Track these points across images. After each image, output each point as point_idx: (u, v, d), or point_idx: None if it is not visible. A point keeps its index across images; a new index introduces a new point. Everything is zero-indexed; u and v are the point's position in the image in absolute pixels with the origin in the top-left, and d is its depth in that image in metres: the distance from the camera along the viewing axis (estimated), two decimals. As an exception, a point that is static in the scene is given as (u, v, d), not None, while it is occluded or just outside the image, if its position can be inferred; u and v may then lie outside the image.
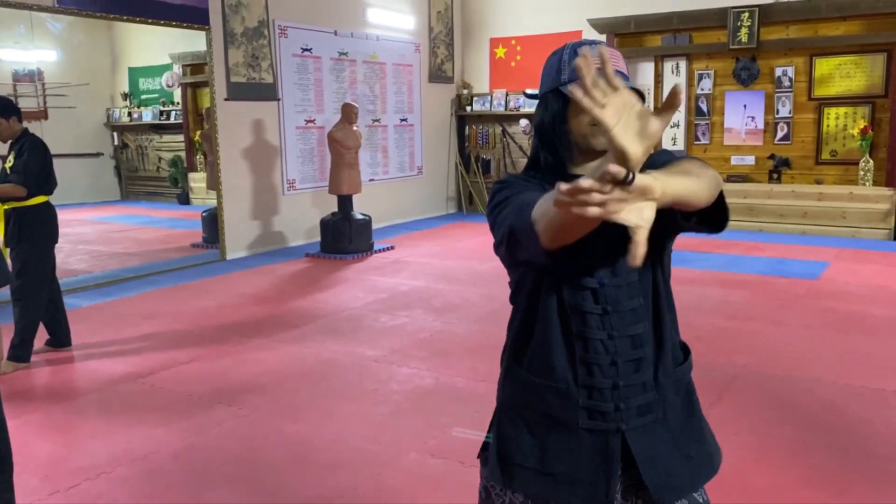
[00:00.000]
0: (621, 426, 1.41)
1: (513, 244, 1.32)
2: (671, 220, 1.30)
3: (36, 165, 4.36)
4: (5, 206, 4.40)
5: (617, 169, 0.92)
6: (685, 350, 1.55)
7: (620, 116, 0.99)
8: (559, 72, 1.42)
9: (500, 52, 10.79)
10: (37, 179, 4.38)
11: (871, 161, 8.39)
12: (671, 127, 9.62)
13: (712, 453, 1.52)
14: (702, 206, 1.21)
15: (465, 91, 11.03)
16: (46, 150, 4.48)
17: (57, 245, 4.62)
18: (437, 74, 10.72)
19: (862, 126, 8.35)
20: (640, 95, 1.33)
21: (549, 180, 1.41)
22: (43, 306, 4.52)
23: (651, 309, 1.44)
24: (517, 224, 1.27)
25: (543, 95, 1.47)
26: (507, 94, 10.66)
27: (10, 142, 4.46)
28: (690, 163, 1.27)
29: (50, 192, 4.52)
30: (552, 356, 1.43)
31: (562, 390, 1.43)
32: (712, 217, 1.34)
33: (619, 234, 1.05)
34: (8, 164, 4.37)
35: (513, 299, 1.54)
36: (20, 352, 4.43)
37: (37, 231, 4.43)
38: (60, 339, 4.74)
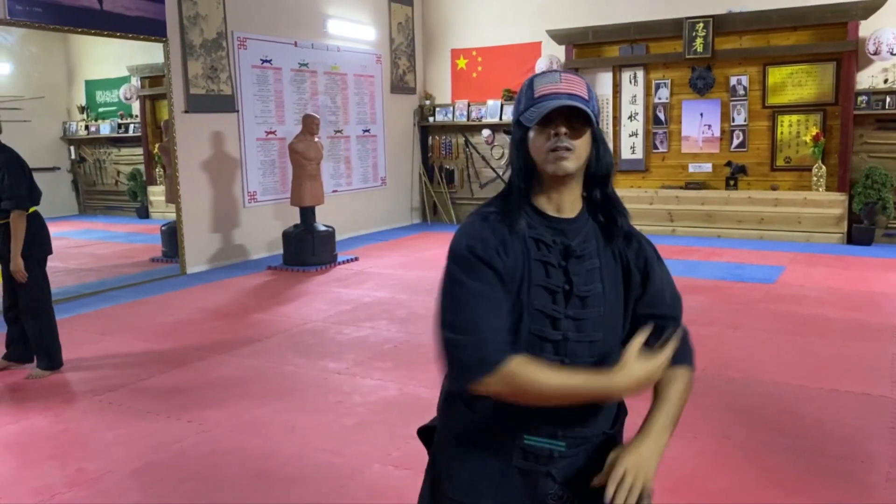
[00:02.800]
0: (552, 471, 1.44)
1: (444, 356, 1.37)
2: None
3: (22, 183, 4.34)
4: None
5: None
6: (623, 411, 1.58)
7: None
8: (519, 102, 1.43)
9: (462, 62, 10.86)
10: (25, 195, 4.36)
11: (824, 167, 8.60)
12: (630, 136, 9.77)
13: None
14: None
15: (428, 102, 11.07)
16: (24, 162, 4.44)
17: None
18: (399, 85, 10.74)
19: (814, 133, 8.56)
20: (595, 118, 1.38)
21: (513, 212, 1.40)
22: (52, 312, 4.60)
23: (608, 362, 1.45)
24: (461, 346, 1.33)
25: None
26: (468, 105, 10.72)
27: None
28: (676, 388, 1.49)
29: (37, 203, 4.49)
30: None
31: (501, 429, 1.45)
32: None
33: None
34: None
35: None
36: (49, 361, 4.54)
37: (29, 243, 4.39)
38: (21, 355, 4.67)
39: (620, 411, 1.55)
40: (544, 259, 1.39)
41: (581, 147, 1.37)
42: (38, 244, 4.51)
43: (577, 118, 1.35)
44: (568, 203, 1.42)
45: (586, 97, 1.37)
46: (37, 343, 4.55)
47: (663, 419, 1.43)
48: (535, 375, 1.30)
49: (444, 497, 1.49)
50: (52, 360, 4.56)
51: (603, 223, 1.45)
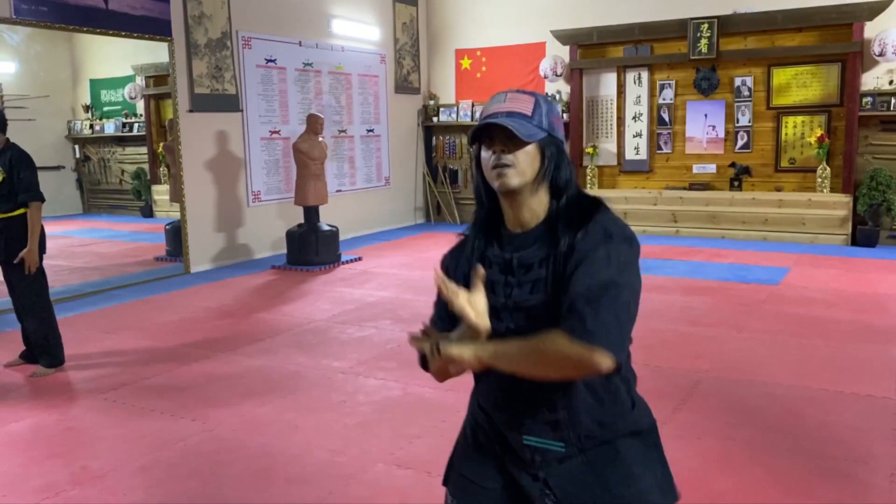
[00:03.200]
0: (539, 474, 1.47)
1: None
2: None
3: (34, 178, 4.43)
4: None
5: (422, 348, 1.40)
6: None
7: (471, 306, 1.37)
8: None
9: (466, 63, 10.86)
10: (39, 191, 4.45)
11: (829, 168, 8.59)
12: (634, 137, 9.76)
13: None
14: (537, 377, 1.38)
15: (432, 102, 11.08)
16: (33, 160, 4.50)
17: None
18: (404, 85, 10.75)
19: (819, 134, 8.54)
20: (547, 132, 1.43)
21: (469, 234, 1.55)
22: (52, 309, 4.61)
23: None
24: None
25: None
26: (472, 105, 10.72)
27: None
28: (547, 340, 1.31)
29: (41, 202, 4.52)
30: (490, 391, 1.53)
31: (487, 421, 1.55)
32: None
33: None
34: None
35: None
36: (52, 359, 4.55)
37: (23, 241, 4.40)
38: (34, 355, 4.68)
39: (612, 412, 1.46)
40: (489, 277, 1.45)
41: (523, 162, 1.40)
42: (41, 242, 4.55)
43: (517, 135, 1.39)
44: (526, 216, 1.45)
45: (528, 113, 1.41)
46: (39, 341, 4.57)
47: (499, 345, 1.38)
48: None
49: (452, 469, 1.64)
50: (53, 357, 4.58)
51: (555, 232, 1.43)
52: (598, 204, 1.45)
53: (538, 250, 1.42)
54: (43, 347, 4.57)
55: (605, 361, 1.27)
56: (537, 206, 1.45)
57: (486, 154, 1.44)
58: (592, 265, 1.32)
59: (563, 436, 1.43)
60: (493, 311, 1.44)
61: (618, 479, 1.44)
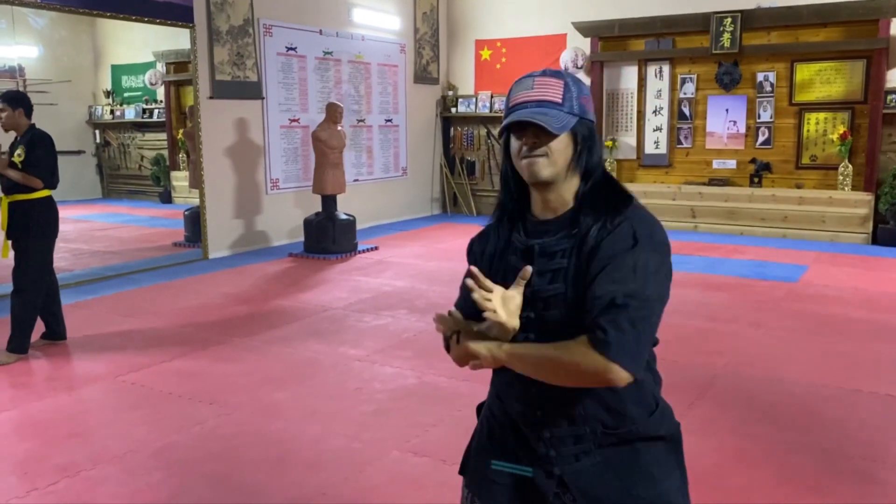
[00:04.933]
0: (554, 471, 1.43)
1: None
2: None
3: (49, 160, 4.48)
4: (9, 199, 4.47)
5: (445, 332, 1.43)
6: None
7: (504, 305, 1.33)
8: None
9: (486, 53, 10.82)
10: (49, 173, 4.48)
11: (850, 166, 8.49)
12: (654, 131, 9.70)
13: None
14: (556, 383, 1.35)
15: (451, 92, 11.05)
16: (54, 144, 4.56)
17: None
18: (423, 75, 10.73)
19: (841, 131, 8.44)
20: (580, 117, 1.39)
21: (494, 221, 1.53)
22: (41, 298, 4.59)
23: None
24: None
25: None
26: (492, 96, 10.69)
27: (16, 136, 4.54)
28: (565, 349, 1.30)
29: (54, 187, 4.58)
30: (508, 383, 1.49)
31: (503, 413, 1.53)
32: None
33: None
34: (17, 158, 4.41)
35: None
36: (19, 343, 4.49)
37: (40, 224, 4.50)
38: (57, 332, 4.77)
39: (633, 411, 1.43)
40: (510, 263, 1.44)
41: (556, 153, 1.37)
42: (54, 227, 4.60)
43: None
44: (554, 203, 1.43)
45: (559, 100, 1.36)
46: (16, 322, 4.46)
47: (518, 347, 1.36)
48: None
49: (467, 461, 1.63)
50: (22, 343, 4.49)
51: (578, 218, 1.40)
52: (627, 197, 1.41)
53: (562, 239, 1.40)
54: (19, 329, 4.45)
55: (621, 377, 1.26)
56: (567, 193, 1.42)
57: (515, 143, 1.40)
58: (618, 271, 1.30)
59: (581, 430, 1.40)
60: None
61: (636, 479, 1.41)
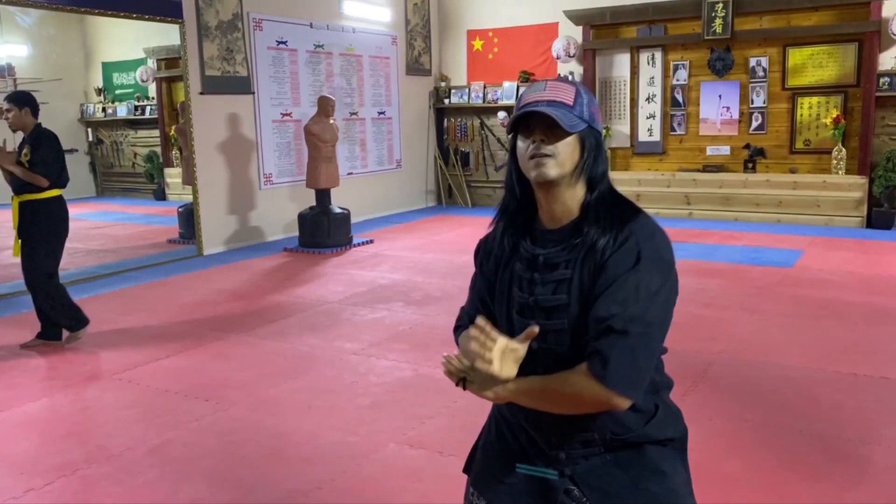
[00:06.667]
0: (565, 471, 1.44)
1: None
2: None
3: (56, 159, 4.50)
4: (20, 199, 4.49)
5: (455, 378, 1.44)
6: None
7: (503, 357, 1.30)
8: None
9: (478, 44, 10.79)
10: (56, 172, 4.50)
11: (844, 150, 8.49)
12: (647, 118, 9.69)
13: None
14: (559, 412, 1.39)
15: (443, 84, 11.02)
16: (59, 142, 4.59)
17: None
18: (415, 67, 10.70)
19: (834, 115, 8.44)
20: (587, 122, 1.38)
21: (499, 226, 1.52)
22: (60, 285, 4.66)
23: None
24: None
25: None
26: (484, 87, 10.66)
27: (23, 136, 4.56)
28: (565, 382, 1.32)
29: (63, 186, 4.60)
30: None
31: (512, 415, 1.52)
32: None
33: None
34: (24, 158, 4.43)
35: None
36: (70, 322, 4.63)
37: (50, 223, 4.52)
38: (53, 333, 4.75)
39: (634, 418, 1.43)
40: (515, 271, 1.45)
41: (563, 153, 1.36)
42: (63, 227, 4.63)
43: (558, 125, 1.35)
44: (559, 212, 1.42)
45: (570, 103, 1.36)
46: (57, 312, 4.61)
47: (520, 382, 1.37)
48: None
49: (473, 458, 1.65)
50: (74, 320, 4.65)
51: (582, 229, 1.40)
52: (634, 210, 1.40)
53: (566, 250, 1.40)
54: (64, 315, 4.62)
55: (621, 403, 1.30)
56: (571, 200, 1.41)
57: (522, 144, 1.39)
58: (620, 292, 1.30)
59: (589, 437, 1.42)
60: (519, 309, 1.44)
61: (645, 474, 1.42)
